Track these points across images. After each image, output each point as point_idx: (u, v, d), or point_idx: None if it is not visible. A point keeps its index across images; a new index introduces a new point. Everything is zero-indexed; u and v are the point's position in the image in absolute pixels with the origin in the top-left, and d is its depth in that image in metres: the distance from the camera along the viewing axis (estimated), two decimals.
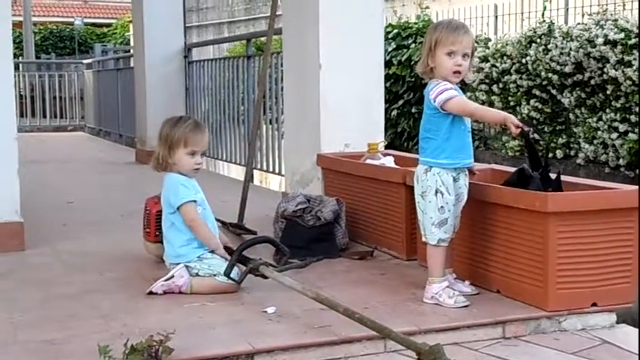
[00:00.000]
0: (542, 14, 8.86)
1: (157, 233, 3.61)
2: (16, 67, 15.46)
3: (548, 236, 2.88)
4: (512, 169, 3.35)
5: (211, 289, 3.20)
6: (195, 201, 3.29)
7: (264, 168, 6.86)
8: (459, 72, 3.04)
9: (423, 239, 3.15)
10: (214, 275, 3.22)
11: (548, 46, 7.67)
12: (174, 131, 3.32)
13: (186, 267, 3.25)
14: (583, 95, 7.45)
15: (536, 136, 3.30)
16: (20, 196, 4.09)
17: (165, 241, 3.37)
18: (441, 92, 3.00)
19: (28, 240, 4.12)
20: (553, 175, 3.08)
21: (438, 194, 3.06)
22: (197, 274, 3.25)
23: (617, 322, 3.00)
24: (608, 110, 7.15)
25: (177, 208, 3.28)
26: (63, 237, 4.46)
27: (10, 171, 4.04)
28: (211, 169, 8.11)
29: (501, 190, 3.12)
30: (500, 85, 8.38)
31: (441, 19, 3.19)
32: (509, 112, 8.54)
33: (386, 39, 8.73)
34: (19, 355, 2.57)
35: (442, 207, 3.06)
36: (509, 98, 8.27)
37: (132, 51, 10.72)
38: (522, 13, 11.42)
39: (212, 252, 3.30)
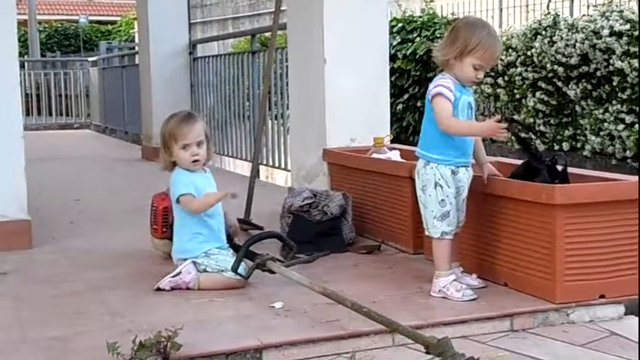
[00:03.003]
0: (547, 6, 8.83)
1: (164, 229, 3.62)
2: (22, 66, 15.52)
3: (555, 228, 2.87)
4: (519, 162, 3.34)
5: (219, 285, 3.21)
6: (191, 194, 3.26)
7: (270, 163, 6.86)
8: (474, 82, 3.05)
9: (427, 233, 3.15)
10: (222, 271, 3.22)
11: (554, 38, 7.64)
12: (164, 129, 3.33)
13: (194, 263, 3.25)
14: (589, 87, 7.42)
15: (522, 134, 3.29)
16: (27, 194, 4.10)
17: (175, 235, 3.38)
18: (436, 86, 3.00)
19: (35, 238, 4.13)
20: (560, 167, 3.08)
21: (438, 187, 3.05)
22: (204, 270, 3.25)
23: (625, 314, 2.99)
24: (614, 102, 7.12)
25: (177, 202, 3.29)
26: (70, 234, 4.47)
27: (16, 169, 4.05)
28: (217, 165, 8.11)
29: (508, 182, 3.12)
30: (506, 78, 8.35)
31: (477, 18, 3.15)
32: (515, 105, 8.53)
33: (390, 33, 8.73)
34: (27, 352, 2.57)
35: (443, 200, 3.05)
36: (515, 91, 8.25)
37: (137, 48, 10.74)
38: (527, 6, 11.41)
39: (219, 248, 3.30)
